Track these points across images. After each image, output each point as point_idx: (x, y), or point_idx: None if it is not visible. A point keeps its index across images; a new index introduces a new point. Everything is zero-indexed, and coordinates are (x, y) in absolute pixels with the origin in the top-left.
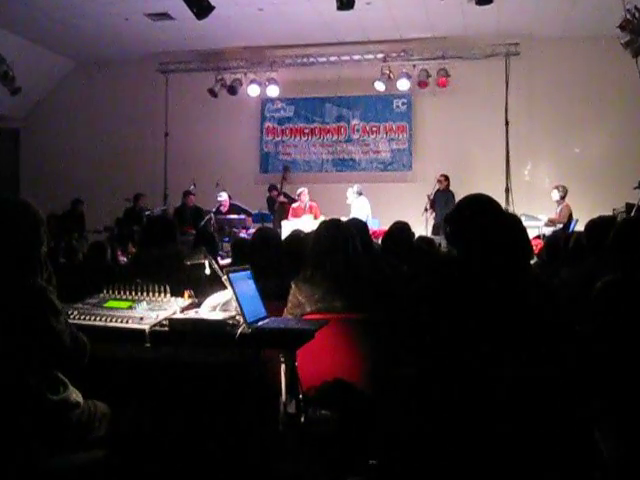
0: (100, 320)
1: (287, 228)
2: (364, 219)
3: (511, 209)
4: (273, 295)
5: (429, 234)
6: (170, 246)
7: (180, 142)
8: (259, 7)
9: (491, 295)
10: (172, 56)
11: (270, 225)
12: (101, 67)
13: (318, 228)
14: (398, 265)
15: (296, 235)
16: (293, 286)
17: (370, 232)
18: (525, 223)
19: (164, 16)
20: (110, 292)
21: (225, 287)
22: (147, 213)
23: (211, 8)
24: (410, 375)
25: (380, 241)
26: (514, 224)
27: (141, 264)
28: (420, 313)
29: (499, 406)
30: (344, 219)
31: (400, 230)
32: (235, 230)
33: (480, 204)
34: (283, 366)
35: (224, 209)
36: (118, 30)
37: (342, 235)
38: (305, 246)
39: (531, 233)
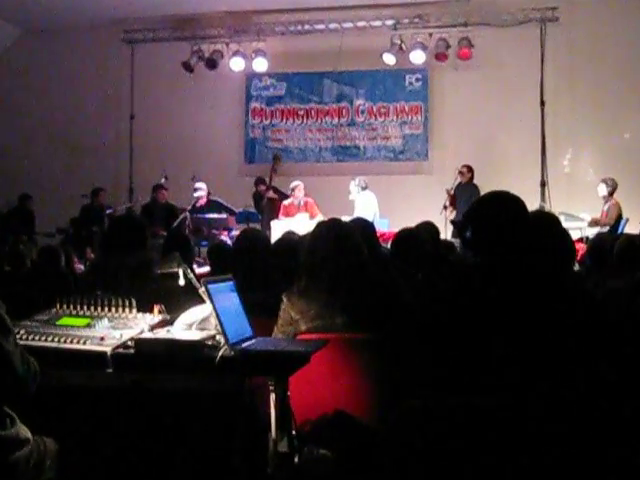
0: (52, 341)
1: (277, 229)
2: (370, 218)
3: (547, 207)
4: (261, 310)
5: (449, 237)
6: (138, 252)
7: (149, 126)
8: None
9: (520, 309)
10: (139, 23)
11: (257, 226)
12: (53, 36)
13: (315, 230)
14: (411, 274)
15: (288, 238)
16: (285, 300)
17: (377, 234)
18: (564, 224)
19: None
20: (64, 307)
21: (203, 301)
22: (109, 212)
23: None
24: (425, 407)
25: (390, 245)
26: (550, 225)
27: (102, 273)
28: (436, 331)
29: (529, 440)
30: (346, 219)
31: (412, 236)
32: (215, 232)
33: (505, 201)
34: (273, 396)
35: (201, 205)
36: None
37: (344, 239)
38: (299, 251)
39: (571, 235)
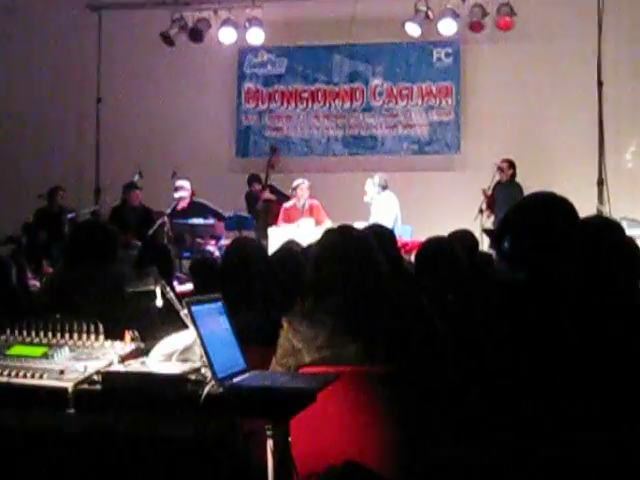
0: (1, 374)
1: (276, 238)
2: (390, 225)
3: (606, 210)
4: (256, 338)
5: (485, 247)
6: (106, 266)
7: (119, 112)
8: None
9: (573, 340)
10: None
11: (251, 234)
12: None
13: (323, 239)
14: (440, 294)
15: (289, 249)
16: (285, 325)
17: (399, 245)
18: (627, 232)
19: None
20: (16, 333)
21: (185, 326)
22: (70, 217)
23: None
24: (460, 458)
25: (414, 258)
26: (609, 233)
27: (62, 291)
28: (470, 364)
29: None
30: (361, 225)
31: (442, 248)
32: (200, 241)
33: (550, 205)
34: (271, 442)
35: (183, 208)
36: None
37: (359, 251)
38: (303, 266)
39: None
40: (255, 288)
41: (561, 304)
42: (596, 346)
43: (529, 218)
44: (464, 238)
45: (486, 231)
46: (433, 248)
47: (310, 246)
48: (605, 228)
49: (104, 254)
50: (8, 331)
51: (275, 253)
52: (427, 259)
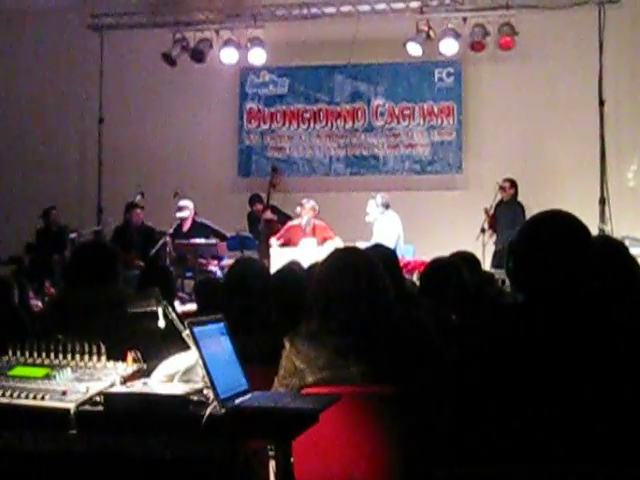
0: (3, 395)
1: (278, 258)
2: (393, 244)
3: (608, 229)
4: (258, 358)
5: (488, 267)
6: (108, 287)
7: (121, 132)
8: None
9: (579, 364)
10: (109, 5)
11: (253, 254)
12: (1, 21)
13: (327, 261)
14: (443, 314)
15: (291, 270)
16: (287, 345)
17: (401, 264)
18: (631, 250)
19: None
20: (18, 353)
21: (187, 347)
22: (72, 236)
23: None
24: (457, 478)
25: (418, 279)
26: (615, 254)
27: (64, 312)
28: (475, 387)
29: None
30: (362, 246)
31: (445, 268)
32: (202, 261)
33: (559, 223)
34: (273, 463)
35: (186, 228)
36: None
37: (364, 272)
38: (304, 286)
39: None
40: (257, 309)
41: (570, 327)
42: (598, 371)
43: (536, 237)
44: (466, 259)
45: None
46: (439, 268)
47: (313, 266)
48: (611, 248)
49: (106, 274)
50: (10, 352)
51: (277, 273)
52: (432, 279)
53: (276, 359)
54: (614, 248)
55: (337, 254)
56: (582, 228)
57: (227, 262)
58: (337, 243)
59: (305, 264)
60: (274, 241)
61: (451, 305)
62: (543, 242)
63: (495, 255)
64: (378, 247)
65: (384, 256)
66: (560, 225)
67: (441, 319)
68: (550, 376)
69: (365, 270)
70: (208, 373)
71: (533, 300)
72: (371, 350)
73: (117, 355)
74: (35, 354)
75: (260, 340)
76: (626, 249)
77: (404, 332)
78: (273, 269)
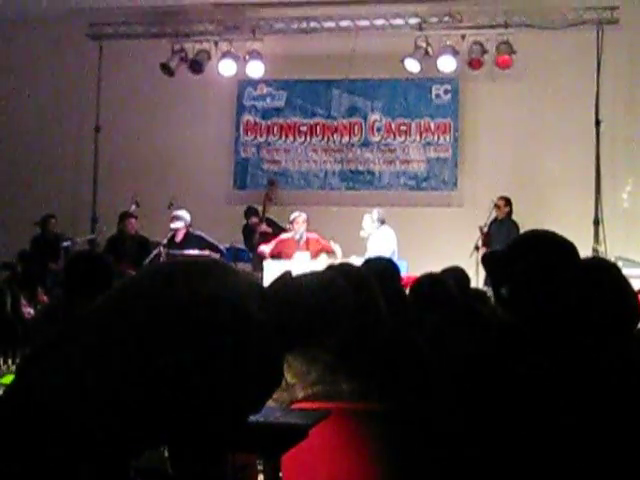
0: None
1: (271, 271)
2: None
3: (602, 249)
4: None
5: (480, 284)
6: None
7: (117, 141)
8: None
9: (568, 391)
10: (108, 14)
11: (247, 266)
12: (4, 28)
13: (322, 279)
14: (434, 328)
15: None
16: None
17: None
18: (623, 271)
19: None
20: (9, 362)
21: None
22: (66, 245)
23: None
24: None
25: (408, 292)
26: (607, 276)
27: (57, 322)
28: (461, 408)
29: None
30: (357, 260)
31: (435, 283)
32: None
33: (549, 245)
34: (261, 477)
35: (179, 239)
36: None
37: (358, 290)
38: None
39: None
40: None
41: (557, 352)
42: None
43: (524, 259)
44: (455, 275)
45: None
46: (427, 284)
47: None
48: (604, 271)
49: (99, 285)
50: (1, 360)
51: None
52: (419, 294)
53: None
54: (605, 269)
55: (330, 277)
56: (571, 249)
57: None
58: (337, 251)
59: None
60: (265, 247)
61: (440, 319)
62: (528, 261)
63: None
64: (376, 260)
65: (381, 269)
66: (547, 247)
67: (433, 333)
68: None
69: (356, 291)
70: None
71: (525, 319)
72: (362, 367)
73: None
74: None
75: None
76: (618, 270)
77: (396, 350)
78: (266, 282)
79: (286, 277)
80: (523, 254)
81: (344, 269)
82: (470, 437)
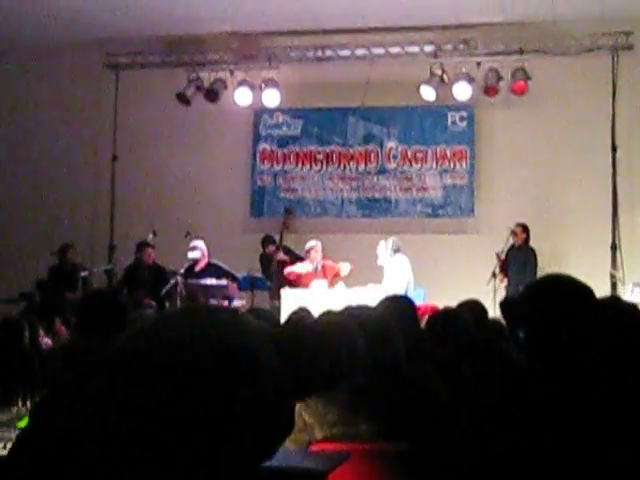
0: (5, 448)
1: (289, 300)
2: (403, 288)
3: (619, 275)
4: None
5: (498, 312)
6: (117, 336)
7: (134, 170)
8: None
9: (598, 434)
10: (125, 44)
11: (264, 295)
12: (17, 59)
13: (336, 327)
14: (450, 365)
15: (299, 322)
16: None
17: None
18: None
19: None
20: (28, 404)
21: None
22: (84, 274)
23: None
24: None
25: (424, 325)
26: (627, 320)
27: (74, 358)
28: (484, 452)
29: None
30: (374, 289)
31: (451, 318)
32: (212, 301)
33: (565, 292)
34: None
35: (199, 269)
36: (44, 4)
37: (377, 332)
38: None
39: None
40: None
41: (580, 399)
42: (616, 450)
43: (541, 306)
44: (472, 308)
45: (501, 305)
46: (442, 319)
47: (321, 322)
48: (623, 314)
49: (114, 324)
50: (20, 402)
51: (284, 325)
52: (437, 330)
53: None
54: (624, 312)
55: (346, 312)
56: (588, 295)
57: (237, 303)
58: (344, 269)
59: (316, 306)
60: (290, 291)
61: (457, 355)
62: (546, 305)
63: None
64: (394, 299)
65: (400, 310)
66: (562, 287)
67: (449, 369)
68: (567, 453)
69: (374, 332)
70: None
71: (546, 365)
72: (381, 408)
73: None
74: None
75: None
76: (638, 312)
77: (415, 391)
78: (284, 311)
79: (299, 322)
80: (541, 298)
81: (363, 314)
82: (492, 476)
